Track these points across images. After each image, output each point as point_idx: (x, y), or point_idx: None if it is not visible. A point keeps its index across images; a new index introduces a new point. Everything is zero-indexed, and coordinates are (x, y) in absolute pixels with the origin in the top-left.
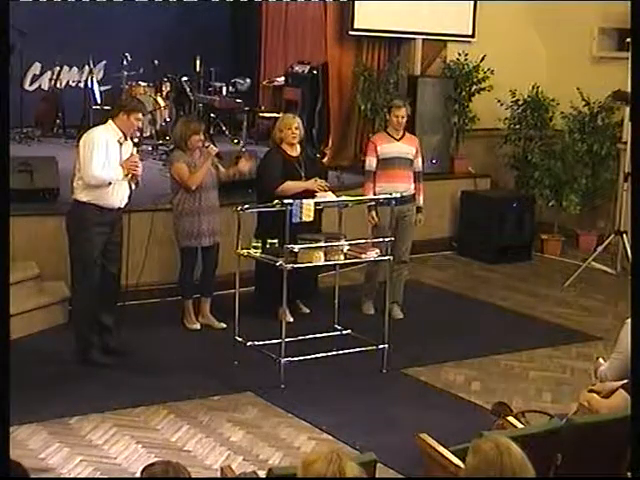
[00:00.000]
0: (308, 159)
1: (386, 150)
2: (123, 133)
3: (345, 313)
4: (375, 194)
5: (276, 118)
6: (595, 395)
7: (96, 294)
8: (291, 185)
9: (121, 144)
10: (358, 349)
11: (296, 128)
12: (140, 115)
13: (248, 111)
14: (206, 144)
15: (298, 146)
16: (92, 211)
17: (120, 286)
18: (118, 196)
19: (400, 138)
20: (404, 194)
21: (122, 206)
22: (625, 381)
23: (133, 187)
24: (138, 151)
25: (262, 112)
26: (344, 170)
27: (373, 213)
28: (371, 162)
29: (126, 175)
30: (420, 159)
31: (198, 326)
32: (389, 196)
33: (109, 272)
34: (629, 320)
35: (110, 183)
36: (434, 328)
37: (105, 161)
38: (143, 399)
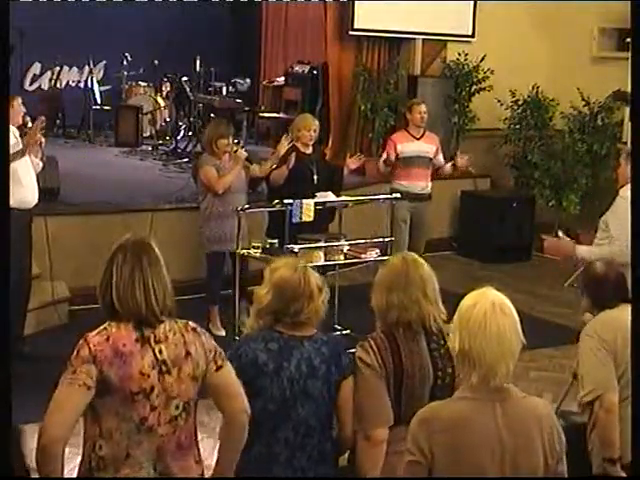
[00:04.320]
0: (320, 158)
1: (406, 149)
2: None
3: (345, 313)
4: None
5: (276, 118)
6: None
7: None
8: (275, 173)
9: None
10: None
11: (314, 130)
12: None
13: (248, 111)
14: (235, 148)
15: (311, 146)
16: None
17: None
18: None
19: (420, 137)
20: (421, 192)
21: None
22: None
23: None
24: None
25: (262, 112)
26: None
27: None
28: (389, 158)
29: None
30: (441, 156)
31: (224, 333)
32: (388, 196)
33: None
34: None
35: None
36: None
37: None
38: None
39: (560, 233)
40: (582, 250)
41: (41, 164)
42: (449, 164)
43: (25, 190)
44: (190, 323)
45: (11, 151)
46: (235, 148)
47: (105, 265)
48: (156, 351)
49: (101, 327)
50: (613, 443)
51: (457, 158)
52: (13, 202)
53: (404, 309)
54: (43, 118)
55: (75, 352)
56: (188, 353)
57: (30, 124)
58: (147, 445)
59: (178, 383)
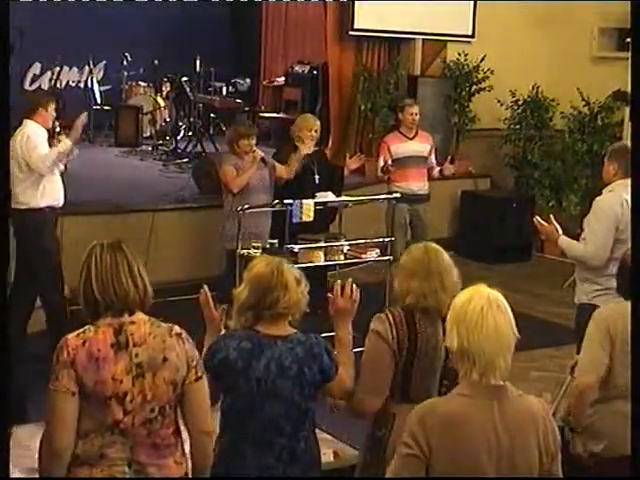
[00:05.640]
0: (321, 158)
1: (400, 150)
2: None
3: None
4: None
5: (276, 118)
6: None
7: None
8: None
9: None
10: (358, 349)
11: (315, 131)
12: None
13: (248, 111)
14: (253, 149)
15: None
16: None
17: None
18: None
19: (413, 137)
20: (418, 193)
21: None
22: None
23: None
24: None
25: (262, 112)
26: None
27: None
28: (387, 164)
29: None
30: (433, 157)
31: None
32: (388, 196)
33: None
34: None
35: None
36: None
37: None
38: None
39: (551, 217)
40: (564, 241)
41: (62, 167)
42: (437, 169)
43: (52, 188)
44: (175, 328)
45: (60, 149)
46: (254, 149)
47: (81, 266)
48: (133, 354)
49: (81, 329)
50: (575, 415)
51: (445, 167)
52: (42, 201)
53: (423, 296)
54: (86, 113)
55: (55, 356)
56: (165, 359)
57: (58, 129)
58: (120, 445)
59: (154, 387)
